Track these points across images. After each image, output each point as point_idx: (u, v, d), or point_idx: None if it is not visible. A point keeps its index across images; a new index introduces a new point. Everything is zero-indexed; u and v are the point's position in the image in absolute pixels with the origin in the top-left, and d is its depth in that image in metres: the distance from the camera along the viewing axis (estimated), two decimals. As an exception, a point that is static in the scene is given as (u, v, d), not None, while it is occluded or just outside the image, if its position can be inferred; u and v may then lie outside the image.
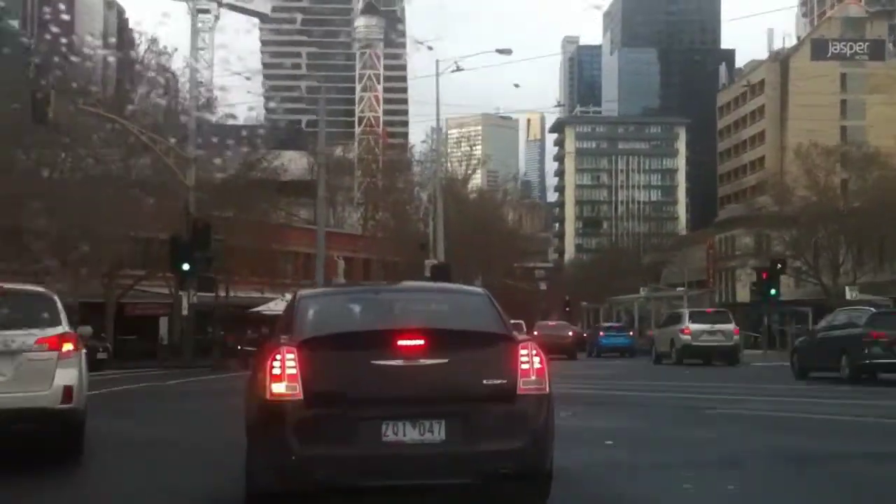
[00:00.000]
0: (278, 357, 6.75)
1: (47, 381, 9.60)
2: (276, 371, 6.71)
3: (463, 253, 55.34)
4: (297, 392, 6.67)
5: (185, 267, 31.39)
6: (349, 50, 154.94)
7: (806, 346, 26.50)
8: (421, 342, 6.85)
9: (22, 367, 9.57)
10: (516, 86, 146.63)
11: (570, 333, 46.70)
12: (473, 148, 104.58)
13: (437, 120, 52.81)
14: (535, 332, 39.44)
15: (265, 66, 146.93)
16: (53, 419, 9.69)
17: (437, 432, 6.74)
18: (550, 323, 52.64)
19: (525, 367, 6.95)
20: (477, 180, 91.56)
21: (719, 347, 35.12)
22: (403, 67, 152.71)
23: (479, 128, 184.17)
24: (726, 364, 34.15)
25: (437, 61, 55.16)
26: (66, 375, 9.75)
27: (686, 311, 39.34)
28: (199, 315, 39.79)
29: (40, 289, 11.91)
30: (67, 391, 9.70)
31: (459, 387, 6.84)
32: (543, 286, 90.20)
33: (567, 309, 76.07)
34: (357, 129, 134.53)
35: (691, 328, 35.32)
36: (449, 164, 75.96)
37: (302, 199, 60.39)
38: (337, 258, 51.69)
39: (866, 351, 22.90)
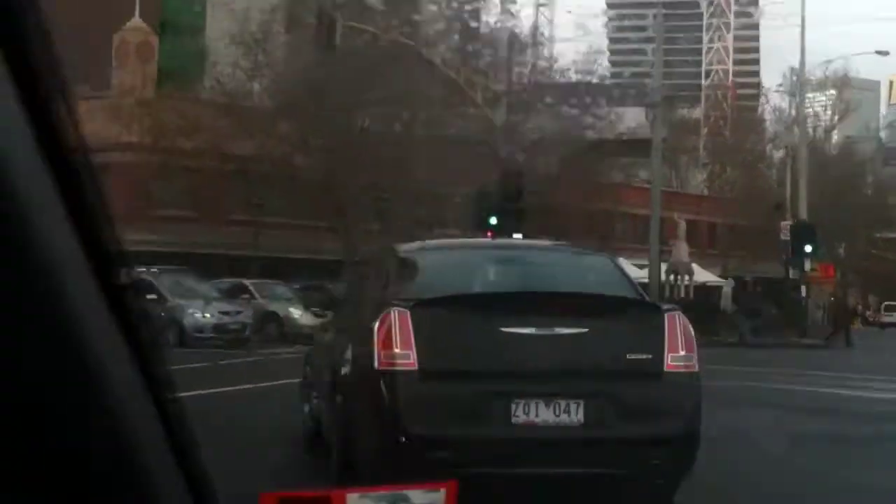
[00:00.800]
0: (389, 322, 5.76)
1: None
2: (388, 337, 5.75)
3: (824, 215, 49.61)
4: (412, 361, 5.72)
5: (493, 221, 27.24)
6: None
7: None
8: (556, 308, 6.05)
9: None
10: (882, 53, 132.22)
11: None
12: (835, 102, 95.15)
13: (802, 66, 50.21)
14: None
15: (609, 19, 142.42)
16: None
17: (574, 414, 5.85)
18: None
19: (674, 340, 5.97)
20: (836, 138, 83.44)
21: None
22: (752, 16, 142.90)
23: (833, 92, 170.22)
24: None
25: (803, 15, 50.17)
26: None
27: None
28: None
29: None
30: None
31: (600, 361, 6.06)
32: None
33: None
34: (704, 83, 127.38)
35: None
36: (810, 118, 69.51)
37: (643, 160, 57.07)
38: (678, 219, 47.77)
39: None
